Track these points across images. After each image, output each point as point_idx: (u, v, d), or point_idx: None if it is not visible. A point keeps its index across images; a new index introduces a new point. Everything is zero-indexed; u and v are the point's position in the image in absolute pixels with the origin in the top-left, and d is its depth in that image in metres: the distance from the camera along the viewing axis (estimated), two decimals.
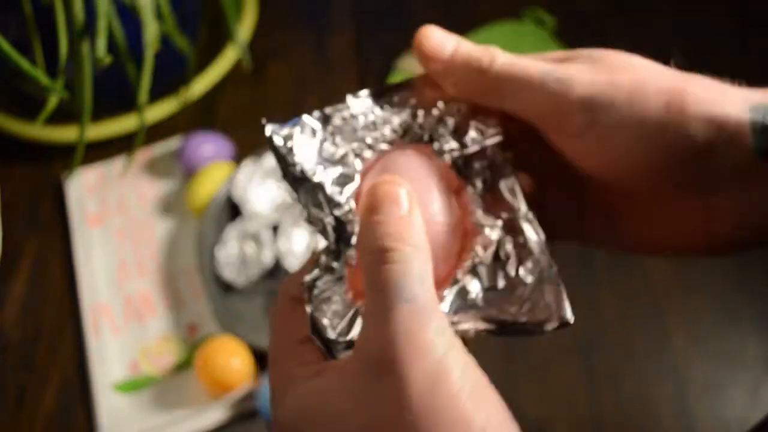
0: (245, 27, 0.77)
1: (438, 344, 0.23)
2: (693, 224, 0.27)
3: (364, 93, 0.29)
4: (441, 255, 0.27)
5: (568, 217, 0.30)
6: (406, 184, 0.25)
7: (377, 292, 0.24)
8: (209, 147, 0.66)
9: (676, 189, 0.26)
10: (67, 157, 0.68)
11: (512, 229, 0.28)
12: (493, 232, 0.27)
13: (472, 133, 0.29)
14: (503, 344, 0.56)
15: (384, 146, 0.29)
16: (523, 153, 0.29)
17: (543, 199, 0.29)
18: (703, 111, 0.25)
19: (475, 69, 0.28)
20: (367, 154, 0.28)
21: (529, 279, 0.27)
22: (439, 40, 0.28)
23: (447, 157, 0.29)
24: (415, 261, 0.24)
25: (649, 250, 0.30)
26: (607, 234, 0.30)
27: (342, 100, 0.30)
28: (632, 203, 0.28)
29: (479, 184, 0.28)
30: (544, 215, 0.28)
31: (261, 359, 0.54)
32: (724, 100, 0.25)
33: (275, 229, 0.61)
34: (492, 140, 0.29)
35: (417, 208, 0.25)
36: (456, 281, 0.27)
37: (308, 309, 0.26)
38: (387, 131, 0.29)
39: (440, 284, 0.26)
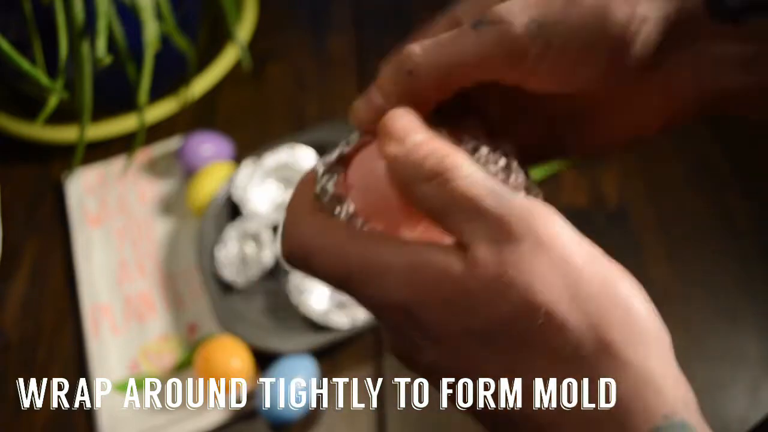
0: (245, 27, 0.77)
1: (564, 224, 0.22)
2: (656, 102, 0.27)
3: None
4: None
5: (537, 141, 0.29)
6: (408, 111, 0.25)
7: (469, 208, 0.22)
8: (209, 147, 0.66)
9: (636, 71, 0.25)
10: (67, 157, 0.68)
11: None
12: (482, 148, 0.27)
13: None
14: None
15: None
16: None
17: (512, 135, 0.28)
18: None
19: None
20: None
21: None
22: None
23: None
24: (475, 166, 0.23)
25: (620, 140, 0.29)
26: (578, 139, 0.29)
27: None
28: (596, 101, 0.27)
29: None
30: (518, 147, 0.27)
31: (261, 359, 0.54)
32: None
33: (275, 229, 0.61)
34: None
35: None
36: None
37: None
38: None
39: None
